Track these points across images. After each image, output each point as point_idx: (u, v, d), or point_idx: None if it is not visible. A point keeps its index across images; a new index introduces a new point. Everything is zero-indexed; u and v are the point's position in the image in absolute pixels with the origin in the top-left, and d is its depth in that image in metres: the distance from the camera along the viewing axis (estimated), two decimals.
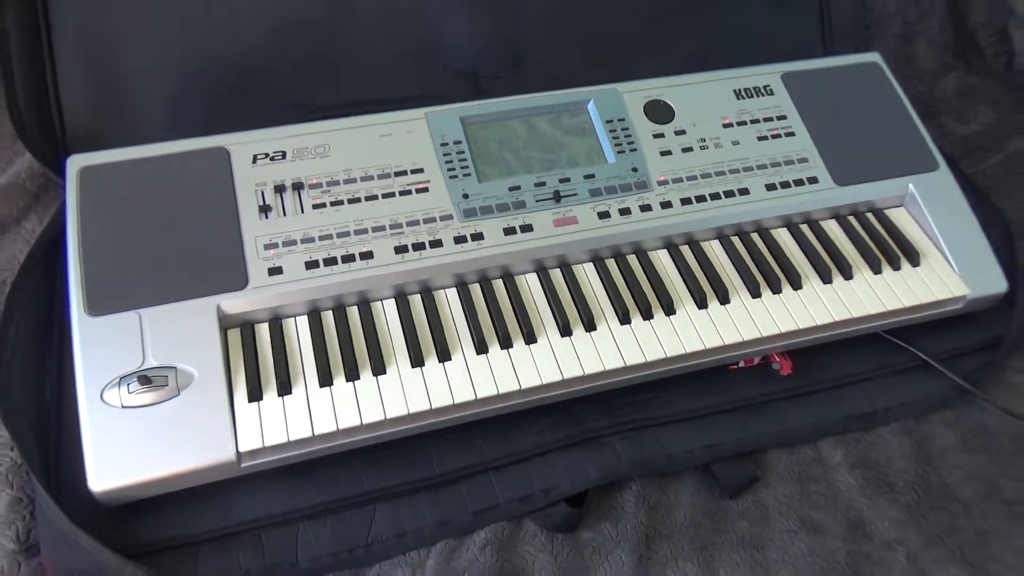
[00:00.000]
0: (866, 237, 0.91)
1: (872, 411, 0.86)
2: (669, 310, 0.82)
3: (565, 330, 0.80)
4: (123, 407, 0.70)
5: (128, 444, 0.69)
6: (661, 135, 0.93)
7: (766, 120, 0.96)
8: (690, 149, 0.92)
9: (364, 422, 0.72)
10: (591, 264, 0.86)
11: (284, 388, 0.73)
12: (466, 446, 0.79)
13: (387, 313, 0.80)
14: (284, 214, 0.82)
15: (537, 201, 0.86)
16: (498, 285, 0.83)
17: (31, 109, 0.91)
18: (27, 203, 0.93)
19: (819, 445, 0.84)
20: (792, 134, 0.96)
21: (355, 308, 0.80)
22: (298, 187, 0.83)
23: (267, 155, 0.84)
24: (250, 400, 0.72)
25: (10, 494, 0.73)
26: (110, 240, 0.77)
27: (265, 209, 0.81)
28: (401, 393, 0.74)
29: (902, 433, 0.85)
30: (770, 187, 0.91)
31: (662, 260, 0.87)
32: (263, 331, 0.78)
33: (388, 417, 0.73)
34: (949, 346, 0.91)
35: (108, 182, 0.80)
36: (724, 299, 0.84)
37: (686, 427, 0.83)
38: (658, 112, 0.94)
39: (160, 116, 0.95)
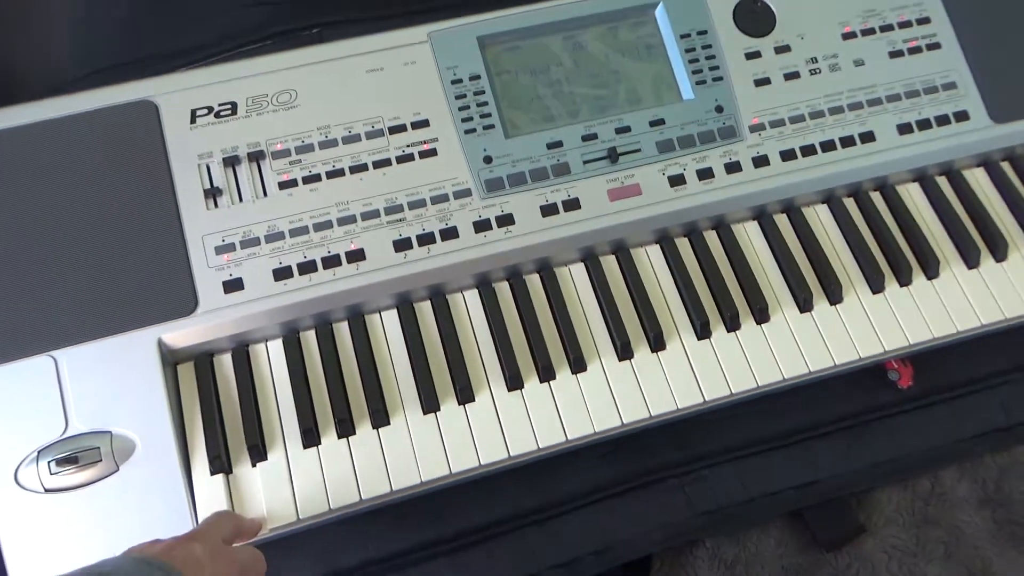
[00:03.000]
0: None
1: (1008, 425, 0.68)
2: (762, 317, 0.62)
3: (624, 351, 0.60)
4: (46, 490, 0.53)
5: (55, 538, 0.53)
6: (756, 53, 0.67)
7: (902, 25, 0.69)
8: (795, 75, 0.67)
9: (364, 497, 0.55)
10: (657, 248, 0.65)
11: (257, 453, 0.56)
12: (494, 493, 0.62)
13: (387, 330, 0.60)
14: (240, 199, 0.59)
15: (586, 163, 0.63)
16: (534, 283, 0.63)
17: None
18: None
19: (940, 475, 0.67)
20: (937, 46, 0.69)
21: (345, 324, 0.60)
22: (257, 157, 0.60)
23: (210, 109, 0.61)
24: (213, 472, 0.55)
25: None
26: (6, 249, 0.56)
27: (213, 193, 0.59)
28: (411, 454, 0.56)
29: None
30: (903, 129, 0.67)
31: (751, 238, 0.65)
32: (225, 365, 0.59)
33: (395, 489, 0.56)
34: None
35: None
36: (835, 297, 0.63)
37: (773, 459, 0.65)
38: (753, 18, 0.68)
39: (73, 42, 0.70)
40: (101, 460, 0.54)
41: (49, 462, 0.53)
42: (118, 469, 0.54)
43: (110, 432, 0.54)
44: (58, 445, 0.54)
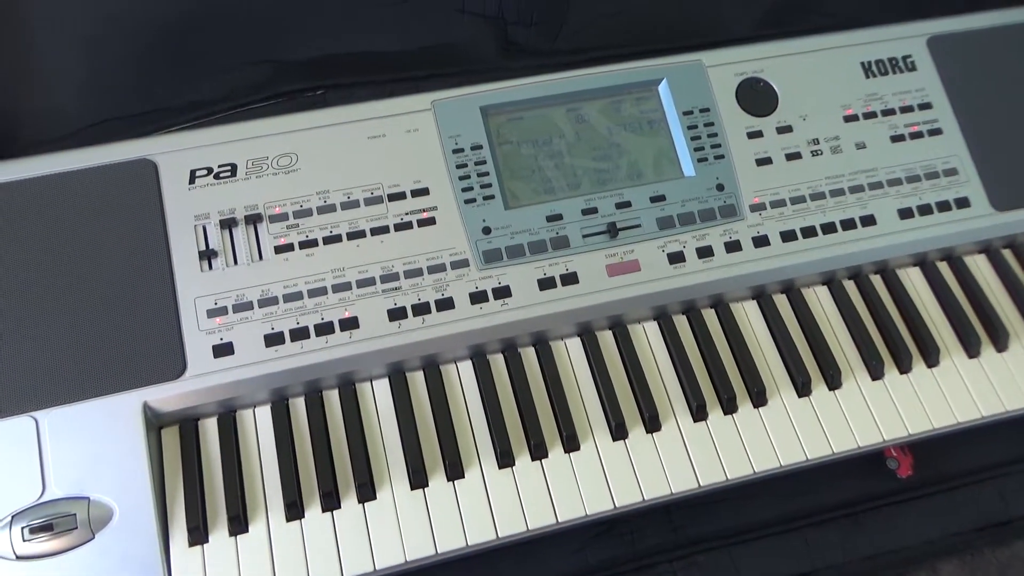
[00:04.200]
0: None
1: (1008, 520, 0.66)
2: (759, 400, 0.61)
3: (619, 431, 0.59)
4: (17, 557, 0.51)
5: None
6: (759, 133, 0.67)
7: (904, 110, 0.69)
8: (797, 155, 0.67)
9: (346, 575, 0.53)
10: (655, 324, 0.64)
11: (238, 525, 0.54)
12: (481, 570, 0.60)
13: (378, 400, 0.59)
14: (235, 262, 0.59)
15: (585, 237, 0.63)
16: (528, 357, 0.62)
17: None
18: None
19: (938, 567, 0.65)
20: (939, 131, 0.69)
21: (335, 392, 0.59)
22: (254, 220, 0.60)
23: (209, 170, 0.60)
24: (191, 543, 0.53)
25: None
26: None
27: (208, 255, 0.59)
28: (397, 533, 0.55)
29: None
30: (904, 213, 0.67)
31: (749, 318, 0.65)
32: (210, 430, 0.57)
33: (378, 568, 0.54)
34: None
35: None
36: (834, 383, 0.62)
37: (770, 545, 0.64)
38: (756, 98, 0.68)
39: (78, 94, 0.70)
40: (77, 528, 0.52)
41: (23, 528, 0.52)
42: (94, 537, 0.52)
43: (88, 498, 0.53)
44: (34, 510, 0.52)
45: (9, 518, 0.52)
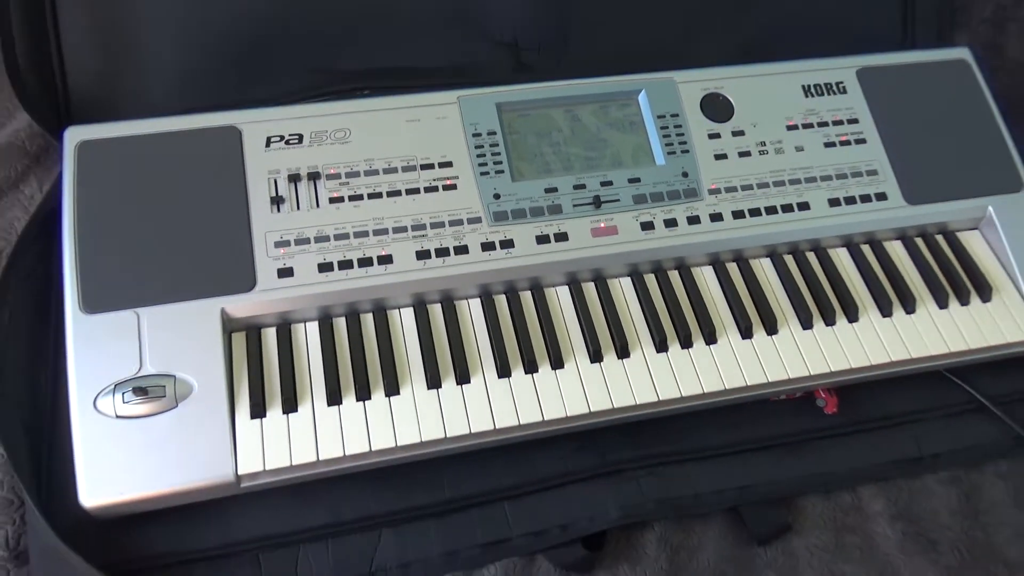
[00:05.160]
0: (933, 264, 0.83)
1: (920, 456, 0.80)
2: (710, 339, 0.76)
3: (596, 356, 0.73)
4: (117, 417, 0.65)
5: (121, 458, 0.64)
6: (717, 135, 0.84)
7: (836, 123, 0.86)
8: (748, 153, 0.83)
9: (373, 448, 0.67)
10: (628, 279, 0.79)
11: (290, 405, 0.68)
12: (480, 470, 0.74)
13: (404, 323, 0.74)
14: (298, 208, 0.75)
15: (575, 206, 0.79)
16: (526, 298, 0.77)
17: (31, 68, 0.83)
18: (26, 165, 0.87)
19: (859, 491, 0.78)
20: (863, 141, 0.86)
21: (370, 316, 0.74)
22: (314, 177, 0.76)
23: (282, 138, 0.77)
24: (252, 416, 0.67)
25: (0, 494, 0.69)
26: (108, 228, 0.71)
27: (277, 201, 0.74)
28: (415, 419, 0.69)
29: (950, 483, 0.79)
30: (833, 202, 0.83)
31: (706, 279, 0.80)
32: (270, 337, 0.72)
33: (399, 444, 0.68)
34: (1009, 387, 0.83)
35: (108, 160, 0.73)
36: (771, 329, 0.77)
37: (718, 464, 0.77)
38: (716, 108, 0.85)
39: (170, 81, 0.87)
40: (164, 396, 0.66)
41: (123, 393, 0.66)
42: (176, 406, 0.66)
43: (174, 376, 0.67)
44: (132, 380, 0.66)
45: (112, 386, 0.66)
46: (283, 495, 0.70)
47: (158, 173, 0.73)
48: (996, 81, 1.04)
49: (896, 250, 0.84)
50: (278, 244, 0.73)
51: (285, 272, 0.72)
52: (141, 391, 0.65)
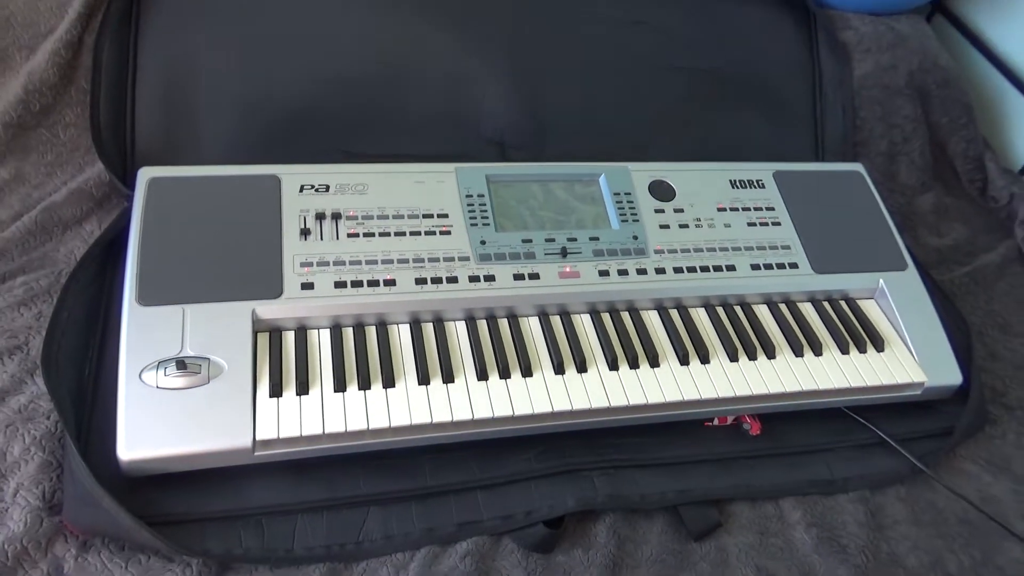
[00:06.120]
0: (837, 321, 1.01)
1: (832, 479, 0.94)
2: (654, 362, 0.91)
3: (559, 368, 0.88)
4: (158, 387, 0.78)
5: (158, 421, 0.77)
6: (662, 211, 1.04)
7: (756, 209, 1.07)
8: (686, 226, 1.03)
9: (371, 427, 0.80)
10: (588, 316, 0.95)
11: (302, 388, 0.82)
12: (458, 464, 0.86)
13: (401, 336, 0.89)
14: (322, 238, 0.92)
15: (546, 254, 0.97)
16: (503, 324, 0.93)
17: (109, 127, 1.03)
18: (90, 207, 1.03)
19: (780, 503, 0.91)
20: (778, 223, 1.07)
21: (373, 328, 0.89)
22: (336, 217, 0.94)
23: (313, 187, 0.95)
24: (271, 395, 0.80)
25: (41, 457, 0.80)
26: (167, 243, 0.87)
27: (305, 232, 0.92)
28: (406, 405, 0.82)
29: (858, 501, 0.92)
30: (755, 267, 1.02)
31: (652, 320, 0.97)
32: (289, 338, 0.86)
33: (392, 425, 0.81)
34: (906, 428, 0.99)
35: (172, 193, 0.91)
36: (704, 359, 0.93)
37: (661, 472, 0.90)
38: (661, 191, 1.06)
39: (220, 147, 1.06)
40: (199, 373, 0.79)
41: (166, 367, 0.79)
42: (209, 382, 0.79)
43: (209, 358, 0.81)
44: (174, 358, 0.80)
45: (157, 362, 0.79)
46: (286, 473, 0.82)
47: (211, 205, 0.91)
48: (891, 201, 1.29)
49: (807, 309, 1.03)
50: (303, 264, 0.89)
51: (307, 286, 0.88)
52: (181, 365, 0.79)
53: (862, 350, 0.98)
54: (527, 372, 0.88)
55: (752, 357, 0.95)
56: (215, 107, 1.08)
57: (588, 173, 1.06)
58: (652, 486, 0.89)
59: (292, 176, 0.96)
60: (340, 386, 0.83)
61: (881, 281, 1.05)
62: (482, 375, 0.86)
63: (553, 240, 0.98)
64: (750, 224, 1.06)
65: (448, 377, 0.85)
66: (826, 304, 1.04)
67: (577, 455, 0.89)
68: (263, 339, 0.85)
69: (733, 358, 0.94)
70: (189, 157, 1.04)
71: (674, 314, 0.98)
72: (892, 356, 0.99)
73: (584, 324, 0.95)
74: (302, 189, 0.95)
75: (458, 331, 0.91)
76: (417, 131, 1.15)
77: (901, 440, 0.97)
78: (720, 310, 1.00)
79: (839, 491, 0.93)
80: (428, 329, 0.90)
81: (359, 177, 0.98)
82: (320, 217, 0.93)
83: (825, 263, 1.04)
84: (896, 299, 1.04)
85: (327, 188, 0.96)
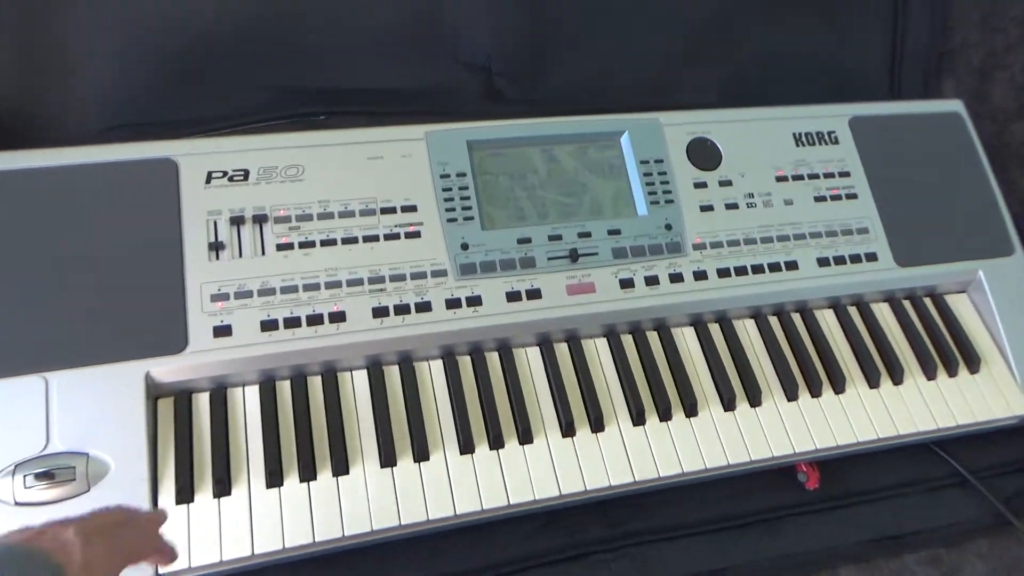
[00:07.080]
0: (922, 330, 0.79)
1: (899, 534, 0.76)
2: (691, 411, 0.70)
3: (568, 429, 0.67)
4: (16, 503, 0.56)
5: None
6: (703, 184, 0.78)
7: (827, 176, 0.81)
8: (735, 206, 0.78)
9: (317, 540, 0.60)
10: (604, 340, 0.73)
11: (222, 488, 0.60)
12: (441, 554, 0.67)
13: (356, 388, 0.66)
14: (240, 255, 0.66)
15: (550, 259, 0.72)
16: (493, 360, 0.70)
17: None
18: None
19: (838, 570, 0.74)
20: (854, 196, 0.81)
21: (318, 379, 0.66)
22: (260, 220, 0.67)
23: (224, 173, 0.68)
24: (178, 502, 0.59)
25: None
26: (12, 275, 0.61)
27: (217, 247, 0.66)
28: (365, 504, 0.61)
29: (929, 563, 0.75)
30: (822, 262, 0.78)
31: (687, 341, 0.74)
32: (202, 403, 0.63)
33: (347, 535, 0.60)
34: (993, 461, 0.80)
35: (19, 193, 0.64)
36: (755, 401, 0.72)
37: (692, 543, 0.71)
38: (703, 155, 0.79)
39: (102, 98, 0.77)
40: (75, 480, 0.57)
41: (25, 476, 0.57)
42: (89, 490, 0.58)
43: (87, 454, 0.58)
44: (36, 461, 0.57)
45: (12, 467, 0.57)
46: None
47: (77, 211, 0.64)
48: (982, 129, 1.01)
49: (883, 312, 0.80)
50: (215, 297, 0.64)
51: (222, 331, 0.63)
52: (46, 475, 0.56)
53: (952, 373, 0.77)
54: (526, 437, 0.66)
55: (816, 393, 0.73)
56: (91, 42, 0.77)
57: (606, 131, 0.78)
58: (683, 564, 0.70)
59: (194, 158, 0.68)
60: (275, 479, 0.61)
61: (980, 272, 0.81)
62: (467, 447, 0.65)
63: (559, 237, 0.73)
64: (819, 198, 0.80)
65: (421, 454, 0.64)
66: (907, 304, 0.81)
67: (587, 530, 0.70)
68: (165, 408, 0.63)
69: (792, 396, 0.72)
70: (62, 117, 0.76)
71: (715, 331, 0.75)
72: (989, 379, 0.78)
73: (600, 354, 0.72)
74: (210, 178, 0.68)
75: (433, 375, 0.68)
76: (372, 56, 0.85)
77: (983, 476, 0.78)
78: (774, 321, 0.77)
79: (908, 549, 0.76)
80: (393, 374, 0.68)
81: (291, 154, 0.70)
82: (237, 222, 0.67)
83: (911, 251, 0.80)
84: (996, 295, 0.81)
85: (245, 175, 0.68)
